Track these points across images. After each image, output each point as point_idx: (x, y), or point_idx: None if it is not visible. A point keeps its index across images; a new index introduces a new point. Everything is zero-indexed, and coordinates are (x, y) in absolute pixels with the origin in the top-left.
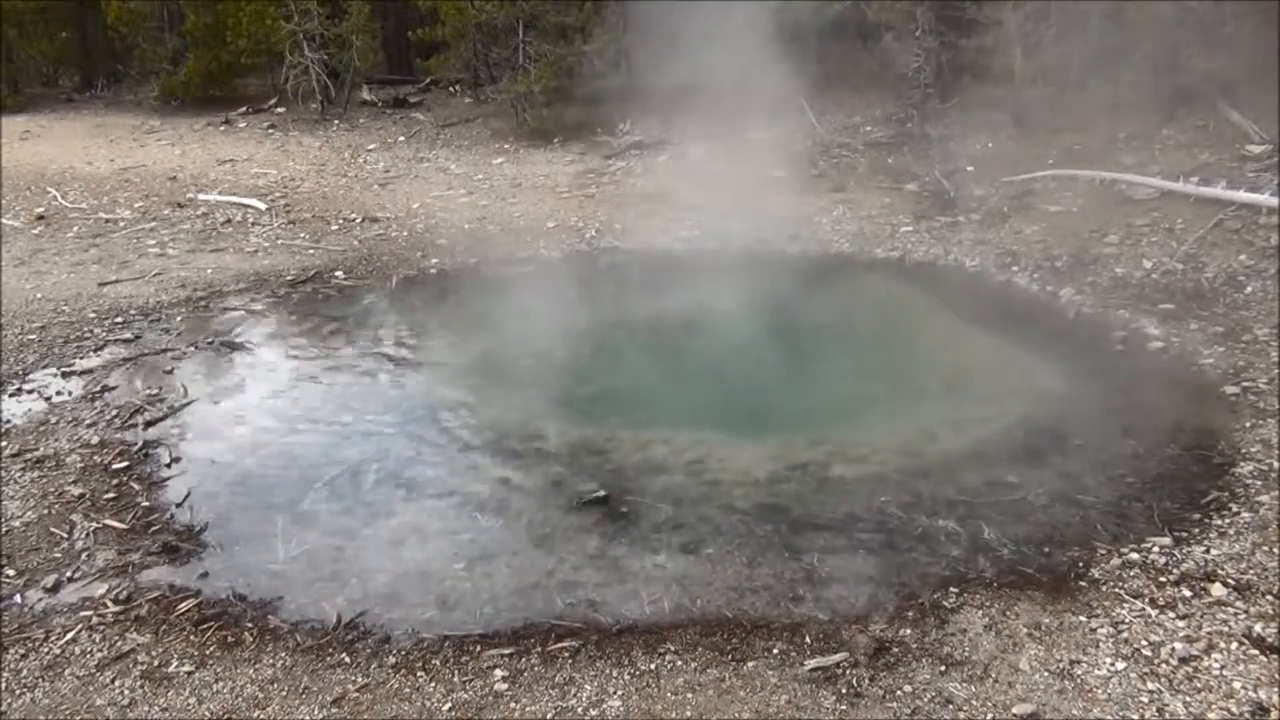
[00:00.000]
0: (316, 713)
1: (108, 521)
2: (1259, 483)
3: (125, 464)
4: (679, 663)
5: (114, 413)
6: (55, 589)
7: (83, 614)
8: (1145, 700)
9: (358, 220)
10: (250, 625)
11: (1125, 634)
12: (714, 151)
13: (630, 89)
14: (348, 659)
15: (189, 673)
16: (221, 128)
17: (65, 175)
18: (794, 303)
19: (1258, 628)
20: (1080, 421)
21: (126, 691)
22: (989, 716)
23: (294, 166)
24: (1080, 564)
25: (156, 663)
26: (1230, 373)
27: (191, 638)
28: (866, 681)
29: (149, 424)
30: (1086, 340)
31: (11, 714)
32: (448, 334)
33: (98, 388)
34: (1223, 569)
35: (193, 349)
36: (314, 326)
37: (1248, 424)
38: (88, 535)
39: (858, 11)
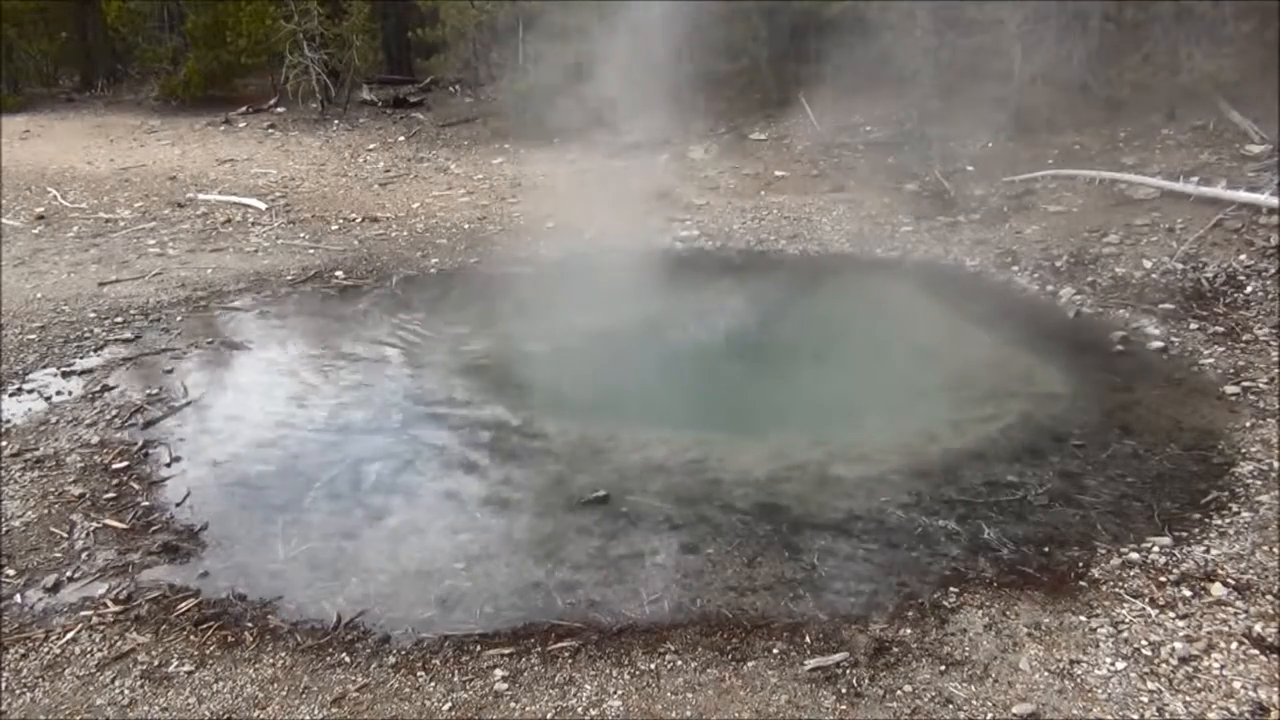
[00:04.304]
0: (316, 712)
1: (108, 521)
2: (1259, 483)
3: (125, 464)
4: (679, 662)
5: (114, 413)
6: (55, 589)
7: (83, 614)
8: (1145, 700)
9: (358, 220)
10: (250, 625)
11: (1125, 634)
12: (715, 151)
13: (631, 88)
14: (348, 659)
15: (189, 672)
16: (221, 128)
17: (65, 175)
18: (794, 302)
19: (1258, 627)
20: (1080, 421)
21: (126, 691)
22: (989, 716)
23: (294, 166)
24: (1080, 564)
25: (156, 662)
26: (1230, 373)
27: (191, 637)
28: (866, 681)
29: (149, 424)
30: (1086, 340)
31: (11, 714)
32: (448, 334)
33: (98, 387)
34: (1223, 569)
35: (193, 349)
36: (314, 326)
37: (1248, 424)
38: (88, 535)
39: (858, 10)
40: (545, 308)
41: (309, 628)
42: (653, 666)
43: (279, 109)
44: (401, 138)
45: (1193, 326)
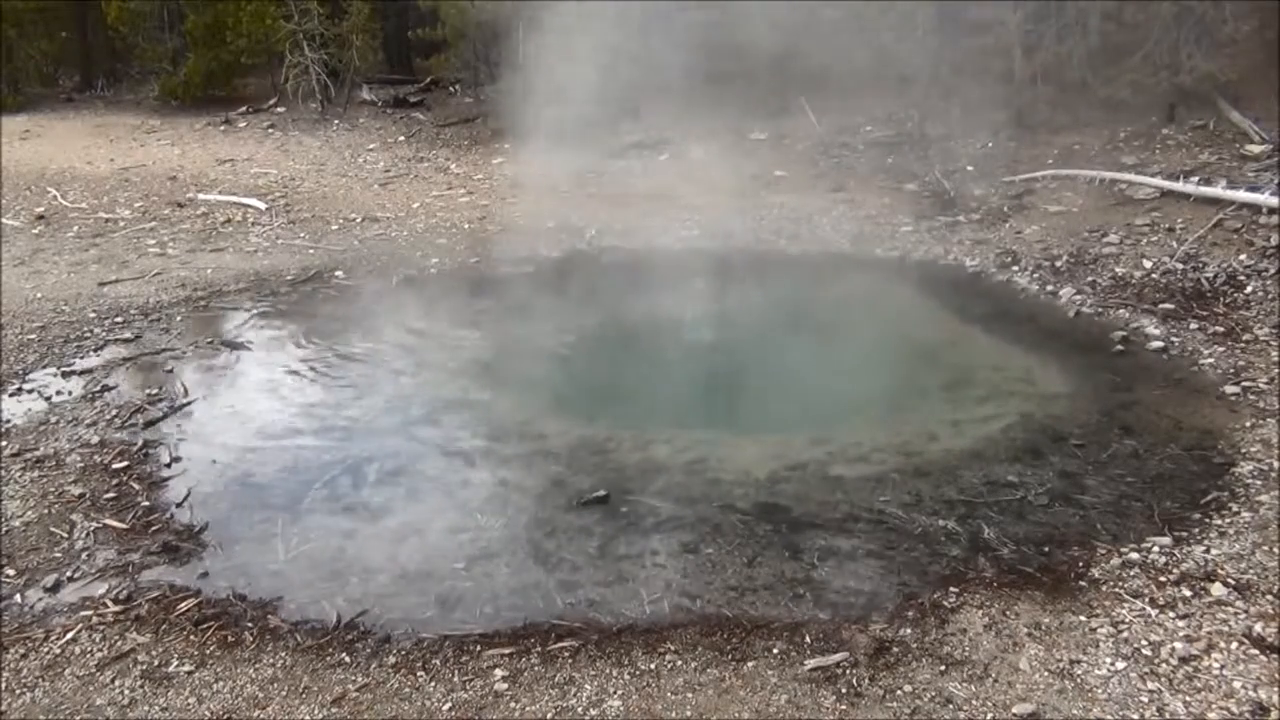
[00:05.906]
0: (316, 712)
1: (108, 521)
2: (1259, 483)
3: (125, 464)
4: (679, 662)
5: (114, 413)
6: (55, 589)
7: (83, 614)
8: (1145, 700)
9: (358, 220)
10: (250, 625)
11: (1125, 634)
12: (715, 151)
13: (632, 88)
14: (348, 659)
15: (189, 672)
16: (221, 128)
17: (65, 175)
18: (794, 302)
19: (1258, 627)
20: (1080, 421)
21: (126, 691)
22: (989, 716)
23: (294, 166)
24: (1080, 564)
25: (156, 662)
26: (1230, 373)
27: (191, 637)
28: (866, 681)
29: (149, 424)
30: (1086, 340)
31: (11, 714)
32: (447, 334)
33: (98, 387)
34: (1223, 569)
35: (193, 349)
36: (314, 326)
37: (1248, 424)
38: (88, 535)
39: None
40: (545, 308)
41: (309, 628)
42: (653, 666)
43: (279, 109)
44: (401, 138)
45: (1193, 326)
